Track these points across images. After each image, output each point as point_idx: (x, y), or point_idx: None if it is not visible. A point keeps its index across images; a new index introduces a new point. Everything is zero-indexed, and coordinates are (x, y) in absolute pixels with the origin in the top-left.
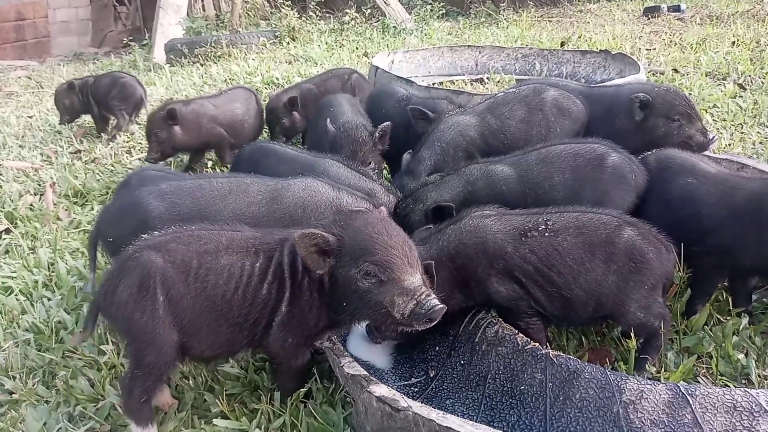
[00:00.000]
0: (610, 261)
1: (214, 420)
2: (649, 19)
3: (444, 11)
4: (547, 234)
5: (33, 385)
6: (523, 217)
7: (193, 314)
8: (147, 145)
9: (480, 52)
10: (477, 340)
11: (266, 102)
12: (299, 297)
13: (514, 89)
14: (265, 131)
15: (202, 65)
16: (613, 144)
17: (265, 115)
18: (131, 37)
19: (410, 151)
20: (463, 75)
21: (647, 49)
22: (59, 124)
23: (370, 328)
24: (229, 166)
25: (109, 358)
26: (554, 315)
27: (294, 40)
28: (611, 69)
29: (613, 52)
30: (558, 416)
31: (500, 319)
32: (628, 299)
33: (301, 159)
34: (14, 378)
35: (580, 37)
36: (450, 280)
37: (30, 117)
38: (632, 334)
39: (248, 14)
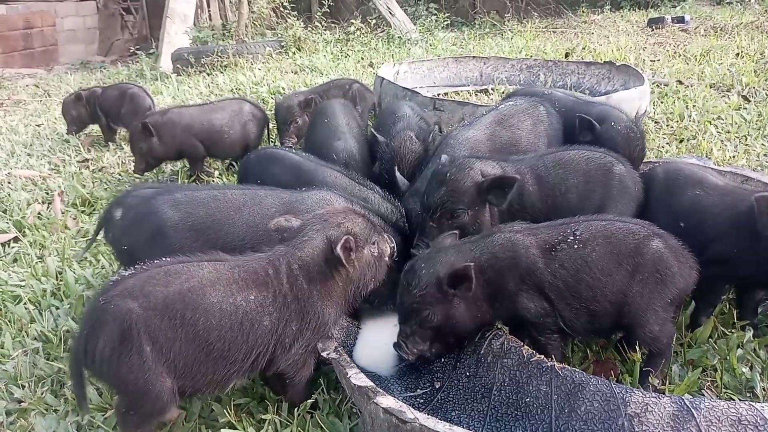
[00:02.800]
0: (636, 271)
1: (221, 430)
2: (653, 30)
3: (449, 22)
4: (576, 246)
5: (42, 394)
6: (551, 229)
7: (187, 359)
8: None
9: (485, 63)
10: (482, 351)
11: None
12: (306, 309)
13: (512, 102)
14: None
15: (208, 75)
16: (619, 156)
17: (276, 112)
18: (138, 46)
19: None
20: (468, 86)
21: (651, 61)
22: (67, 134)
23: (398, 344)
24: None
25: None
26: (576, 329)
27: (300, 50)
28: (615, 80)
29: (617, 64)
30: (563, 428)
31: (506, 331)
32: (649, 311)
33: (305, 166)
34: (23, 387)
35: (584, 48)
36: (478, 293)
37: (38, 126)
38: (636, 347)
39: (254, 24)
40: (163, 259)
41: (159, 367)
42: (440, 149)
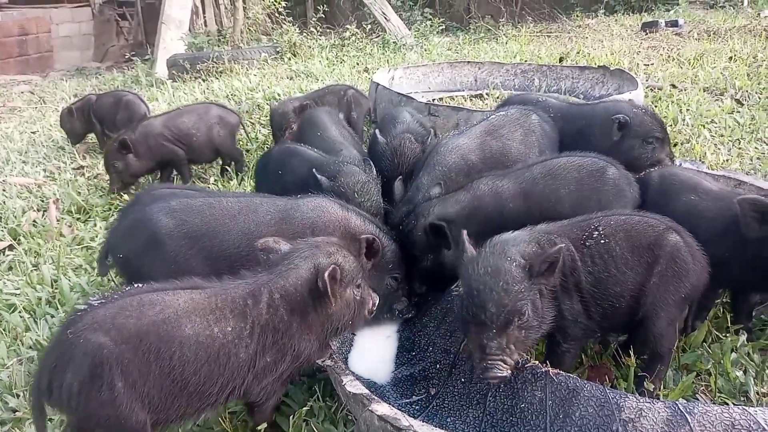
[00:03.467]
0: (655, 263)
1: None
2: (647, 34)
3: (444, 27)
4: (602, 241)
5: None
6: (575, 226)
7: (161, 393)
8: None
9: (479, 68)
10: None
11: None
12: (283, 341)
13: (503, 111)
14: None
15: (204, 81)
16: (611, 159)
17: (271, 118)
18: (133, 52)
19: (401, 177)
20: (463, 91)
21: (645, 65)
22: (71, 145)
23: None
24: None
25: None
26: (601, 328)
27: (295, 56)
28: (609, 84)
29: (611, 68)
30: None
31: None
32: (663, 304)
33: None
34: (18, 396)
35: (578, 53)
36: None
37: (33, 133)
38: (631, 352)
39: (250, 30)
40: (136, 286)
41: (132, 403)
42: (431, 157)
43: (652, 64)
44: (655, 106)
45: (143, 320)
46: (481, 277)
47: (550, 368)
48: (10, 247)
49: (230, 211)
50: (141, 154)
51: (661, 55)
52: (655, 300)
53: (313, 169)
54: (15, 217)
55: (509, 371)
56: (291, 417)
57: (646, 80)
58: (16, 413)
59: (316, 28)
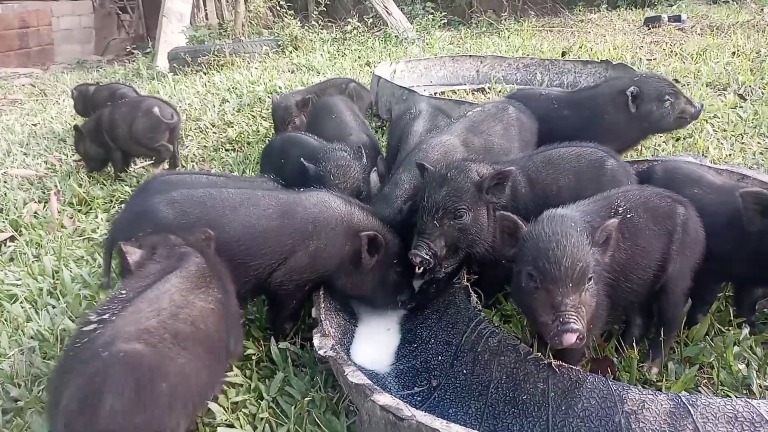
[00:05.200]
0: (673, 232)
1: (218, 429)
2: (650, 29)
3: (446, 21)
4: (628, 215)
5: (38, 393)
6: (599, 204)
7: (198, 384)
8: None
9: (481, 62)
10: (480, 349)
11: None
12: None
13: (480, 108)
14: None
15: (205, 74)
16: (608, 149)
17: (273, 112)
18: (134, 45)
19: (375, 168)
20: (465, 85)
21: (648, 60)
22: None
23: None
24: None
25: None
26: (628, 303)
27: (296, 50)
28: None
29: (614, 62)
30: (560, 426)
31: (502, 329)
32: (681, 273)
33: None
34: (19, 386)
35: (581, 47)
36: None
37: (34, 125)
38: (634, 343)
39: (251, 23)
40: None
41: (176, 404)
42: (413, 155)
43: (655, 58)
44: None
45: (162, 315)
46: (552, 237)
47: (552, 360)
48: (12, 239)
49: (232, 202)
50: (94, 141)
51: (664, 50)
52: (674, 270)
53: (301, 158)
54: (16, 208)
55: (583, 330)
56: (293, 407)
57: None
58: (18, 403)
59: (317, 22)
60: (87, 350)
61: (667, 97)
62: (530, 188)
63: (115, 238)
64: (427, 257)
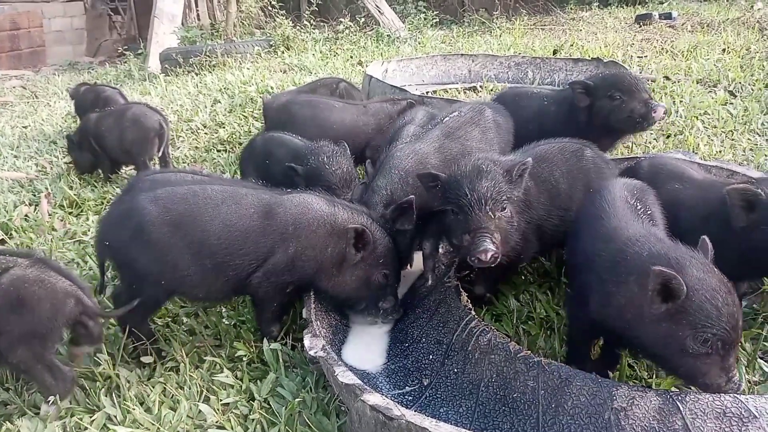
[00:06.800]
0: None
1: (209, 430)
2: (641, 26)
3: (437, 20)
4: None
5: (28, 397)
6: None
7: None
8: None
9: (473, 61)
10: (470, 348)
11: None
12: None
13: (456, 113)
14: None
15: (197, 74)
16: (584, 141)
17: (264, 112)
18: (126, 47)
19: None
20: (457, 83)
21: (639, 57)
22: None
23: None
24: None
25: (104, 368)
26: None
27: (288, 49)
28: None
29: (605, 60)
30: (550, 423)
31: (492, 327)
32: None
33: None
34: (8, 390)
35: (572, 45)
36: None
37: (25, 127)
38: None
39: (243, 23)
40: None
41: None
42: (387, 161)
43: (646, 56)
44: None
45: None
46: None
47: (542, 358)
48: (2, 242)
49: (214, 200)
50: (84, 148)
51: (655, 47)
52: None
53: (288, 164)
54: (6, 211)
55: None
56: (284, 408)
57: (640, 72)
58: (8, 407)
59: (309, 22)
60: None
61: (618, 94)
62: (534, 182)
63: (103, 237)
64: (497, 249)
